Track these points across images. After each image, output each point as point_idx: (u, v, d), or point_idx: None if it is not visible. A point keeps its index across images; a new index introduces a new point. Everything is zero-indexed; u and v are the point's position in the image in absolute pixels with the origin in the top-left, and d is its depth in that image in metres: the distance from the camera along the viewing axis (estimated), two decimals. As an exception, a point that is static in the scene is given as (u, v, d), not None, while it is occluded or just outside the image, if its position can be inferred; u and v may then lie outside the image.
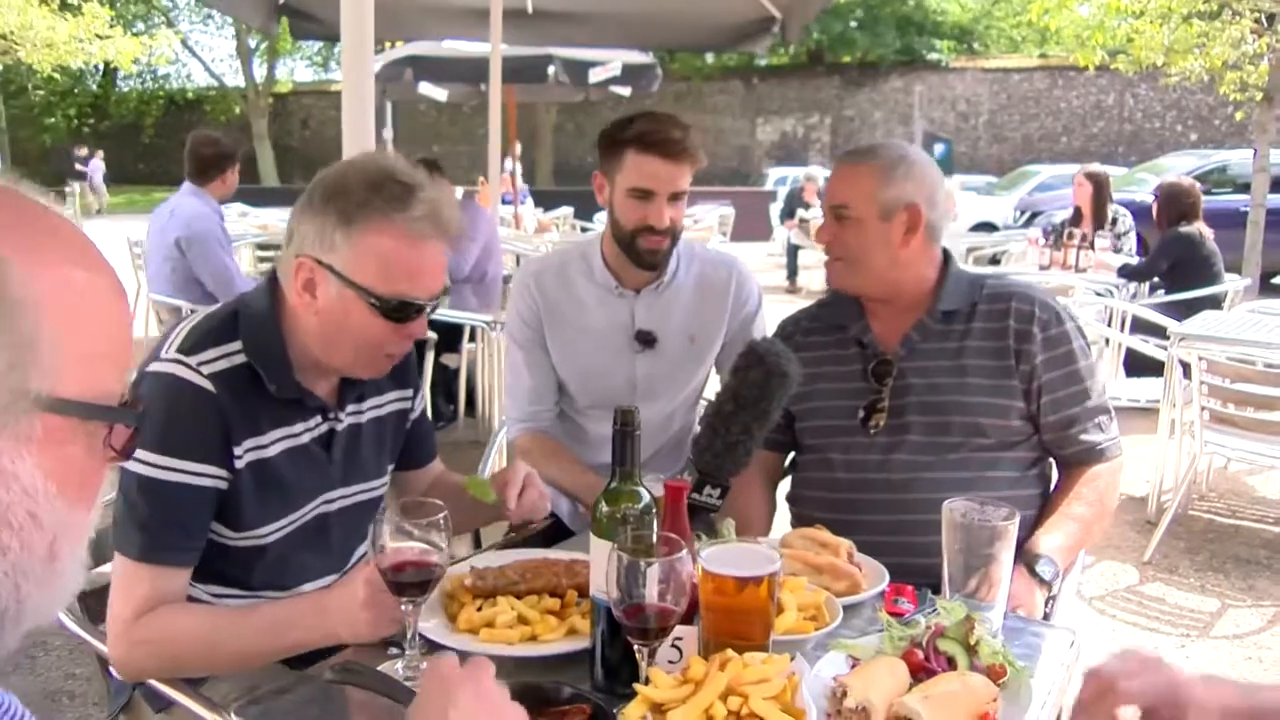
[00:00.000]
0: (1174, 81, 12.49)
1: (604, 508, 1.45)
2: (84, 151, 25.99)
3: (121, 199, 28.49)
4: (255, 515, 1.66)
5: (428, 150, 23.52)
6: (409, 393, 1.91)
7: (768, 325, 2.49)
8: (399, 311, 1.59)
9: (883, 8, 28.80)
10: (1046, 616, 1.93)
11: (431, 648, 1.53)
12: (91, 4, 20.77)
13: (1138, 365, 5.63)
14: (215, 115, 33.43)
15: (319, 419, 1.72)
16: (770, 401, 1.82)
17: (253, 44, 31.14)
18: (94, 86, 34.78)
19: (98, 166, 25.56)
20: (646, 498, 1.47)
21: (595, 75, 9.48)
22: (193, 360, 1.58)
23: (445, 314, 5.33)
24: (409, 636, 1.48)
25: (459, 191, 6.56)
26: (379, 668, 1.46)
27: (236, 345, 1.62)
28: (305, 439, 1.70)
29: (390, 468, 1.91)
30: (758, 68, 29.69)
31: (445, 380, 5.85)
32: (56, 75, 24.12)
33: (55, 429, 0.77)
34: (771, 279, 13.68)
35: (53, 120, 33.43)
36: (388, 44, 10.71)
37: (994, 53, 30.36)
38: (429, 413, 4.59)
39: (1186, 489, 4.59)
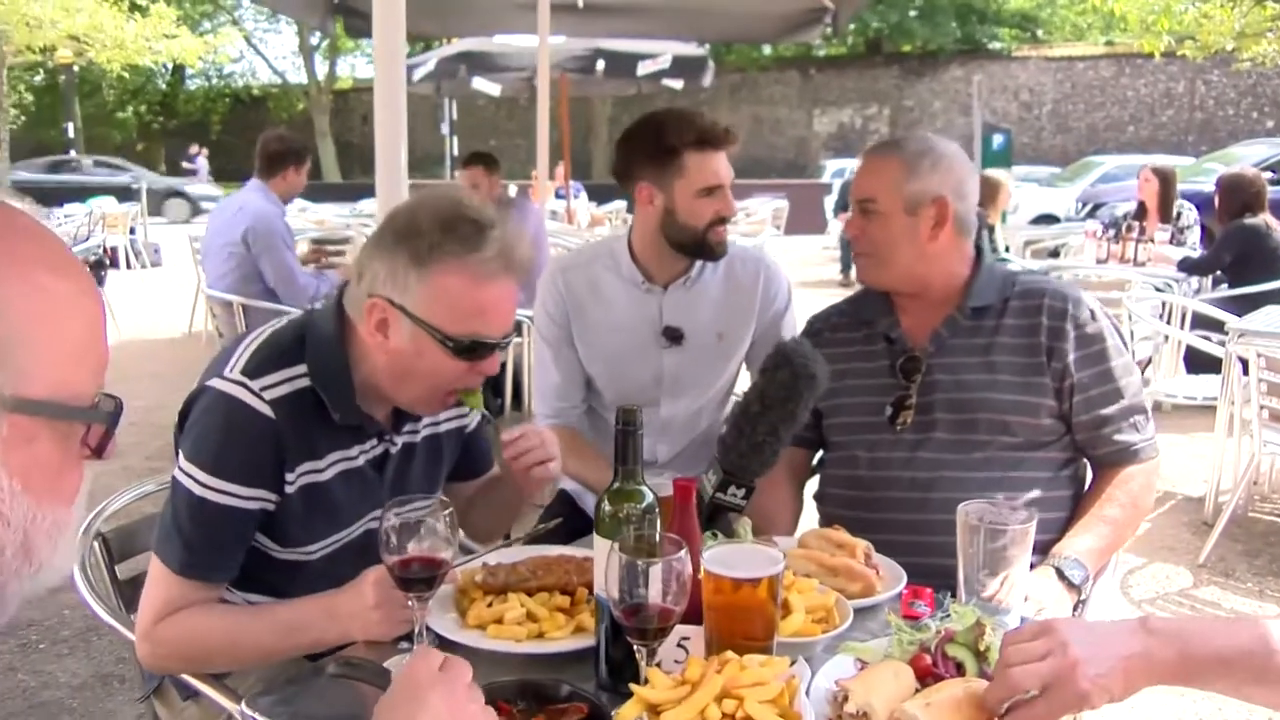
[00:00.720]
0: (1246, 67, 12.12)
1: (606, 507, 1.45)
2: (194, 149, 26.07)
3: (190, 193, 29.21)
4: (303, 533, 1.68)
5: (485, 144, 23.63)
6: (465, 409, 1.90)
7: (801, 321, 2.46)
8: (471, 351, 1.60)
9: (943, -5, 28.37)
10: (1074, 621, 1.89)
11: (441, 643, 1.54)
12: (159, 4, 21.31)
13: (1200, 361, 5.48)
14: (278, 112, 34.07)
15: (374, 441, 1.73)
16: (797, 403, 1.81)
17: (315, 41, 31.67)
18: (163, 85, 35.55)
19: (204, 164, 25.74)
20: (649, 497, 1.46)
21: (643, 68, 9.47)
22: (256, 384, 1.59)
23: (491, 309, 5.36)
24: (416, 631, 1.49)
25: (512, 188, 6.59)
26: (387, 662, 1.48)
27: (301, 369, 1.63)
28: (360, 461, 1.72)
29: (444, 484, 1.92)
30: (815, 58, 29.41)
31: (492, 375, 5.88)
32: (126, 75, 24.70)
33: (22, 428, 0.79)
34: (826, 272, 13.58)
35: (124, 116, 34.30)
36: (443, 41, 10.81)
37: (1058, 40, 29.70)
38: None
39: (1246, 489, 4.45)
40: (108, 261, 11.11)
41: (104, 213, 12.48)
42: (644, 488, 1.46)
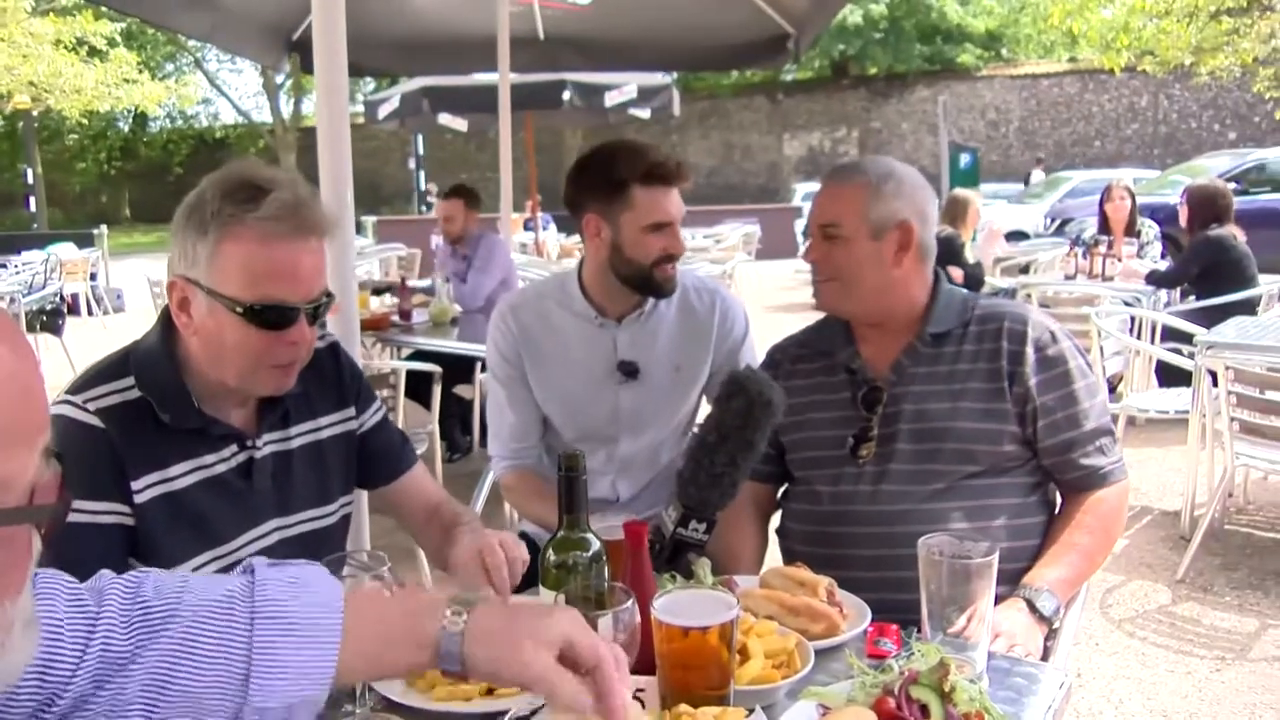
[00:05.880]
0: (1204, 81, 12.28)
1: (551, 556, 1.39)
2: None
3: (153, 238, 28.86)
4: (172, 551, 1.60)
5: (456, 178, 23.57)
6: (351, 411, 1.84)
7: (760, 351, 2.42)
8: (268, 317, 1.54)
9: (907, 19, 28.61)
10: (1047, 654, 1.84)
11: (387, 705, 1.47)
12: (119, 50, 21.20)
13: (1172, 374, 5.48)
14: (240, 152, 33.90)
15: (235, 448, 1.67)
16: (755, 431, 1.76)
17: (280, 80, 31.57)
18: (125, 129, 35.10)
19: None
20: (596, 545, 1.40)
21: (611, 99, 9.48)
22: (79, 399, 1.56)
23: (458, 345, 5.31)
24: (359, 692, 1.42)
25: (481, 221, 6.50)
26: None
27: (129, 381, 1.60)
28: (220, 469, 1.65)
29: (345, 496, 1.84)
30: (782, 83, 29.61)
31: (460, 412, 5.81)
32: (85, 121, 24.44)
33: None
34: (797, 296, 13.58)
35: (84, 165, 33.85)
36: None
37: (1022, 59, 30.05)
38: (438, 441, 4.45)
39: (1221, 502, 4.42)
40: (65, 309, 10.92)
41: (61, 260, 12.29)
42: (590, 535, 1.41)
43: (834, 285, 2.06)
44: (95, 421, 1.54)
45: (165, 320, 1.64)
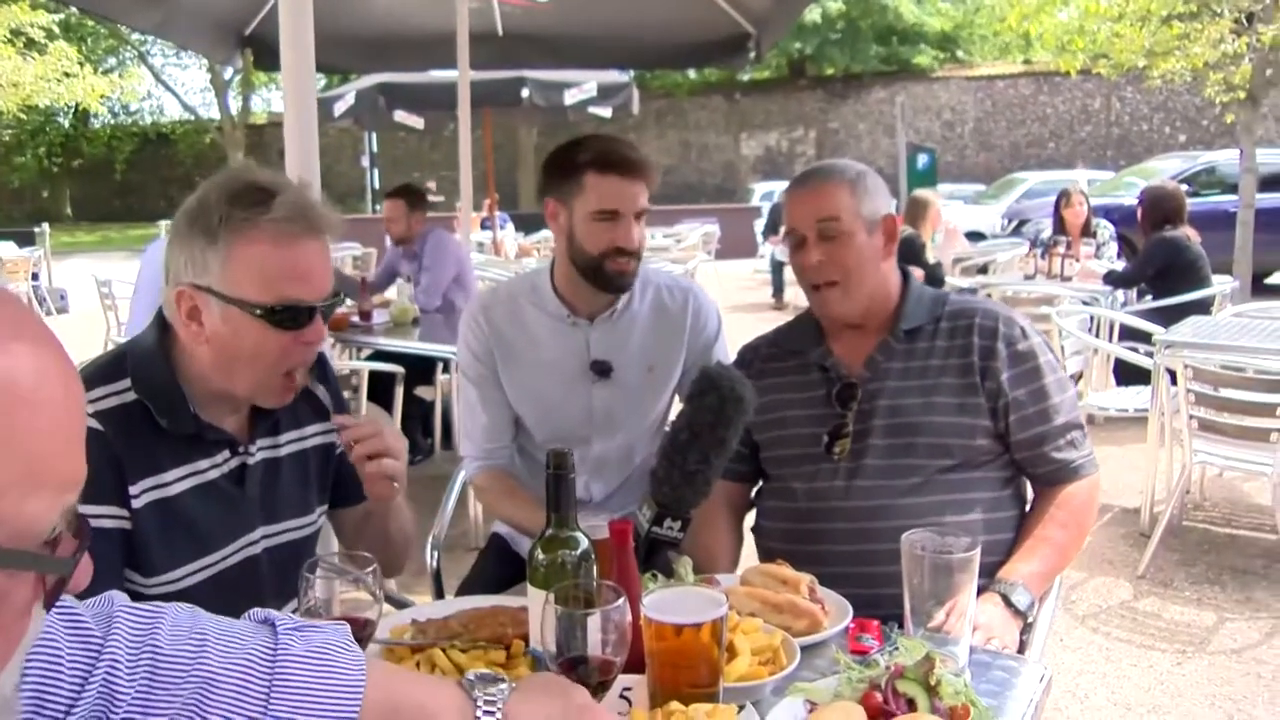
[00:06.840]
0: (1156, 84, 12.49)
1: (540, 555, 1.38)
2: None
3: (97, 236, 28.28)
4: (165, 558, 1.57)
5: (409, 177, 23.42)
6: (332, 424, 1.82)
7: (731, 349, 2.41)
8: (286, 317, 1.53)
9: (863, 19, 28.83)
10: (1022, 648, 1.86)
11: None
12: (58, 43, 20.58)
13: (1129, 373, 5.58)
14: (186, 149, 33.08)
15: (227, 454, 1.65)
16: (727, 428, 1.76)
17: (228, 76, 30.91)
18: (66, 124, 33.63)
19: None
20: (584, 543, 1.39)
21: (570, 96, 9.46)
22: None
23: (418, 346, 5.26)
24: None
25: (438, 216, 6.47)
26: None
27: (125, 384, 1.56)
28: (213, 475, 1.63)
29: (322, 508, 1.83)
30: (739, 83, 29.68)
31: (421, 414, 5.75)
32: (23, 115, 23.67)
33: None
34: (758, 296, 13.65)
35: (23, 160, 32.66)
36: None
37: (977, 60, 30.38)
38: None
39: (1180, 499, 4.50)
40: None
41: (1, 259, 11.94)
42: (578, 534, 1.40)
43: (837, 289, 2.04)
44: (95, 424, 1.50)
45: (160, 324, 1.61)
